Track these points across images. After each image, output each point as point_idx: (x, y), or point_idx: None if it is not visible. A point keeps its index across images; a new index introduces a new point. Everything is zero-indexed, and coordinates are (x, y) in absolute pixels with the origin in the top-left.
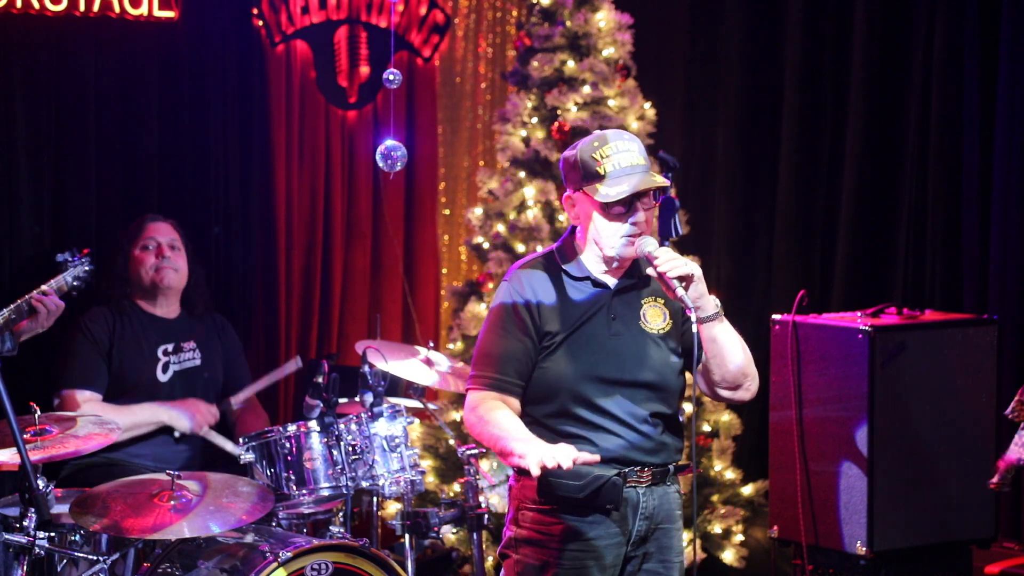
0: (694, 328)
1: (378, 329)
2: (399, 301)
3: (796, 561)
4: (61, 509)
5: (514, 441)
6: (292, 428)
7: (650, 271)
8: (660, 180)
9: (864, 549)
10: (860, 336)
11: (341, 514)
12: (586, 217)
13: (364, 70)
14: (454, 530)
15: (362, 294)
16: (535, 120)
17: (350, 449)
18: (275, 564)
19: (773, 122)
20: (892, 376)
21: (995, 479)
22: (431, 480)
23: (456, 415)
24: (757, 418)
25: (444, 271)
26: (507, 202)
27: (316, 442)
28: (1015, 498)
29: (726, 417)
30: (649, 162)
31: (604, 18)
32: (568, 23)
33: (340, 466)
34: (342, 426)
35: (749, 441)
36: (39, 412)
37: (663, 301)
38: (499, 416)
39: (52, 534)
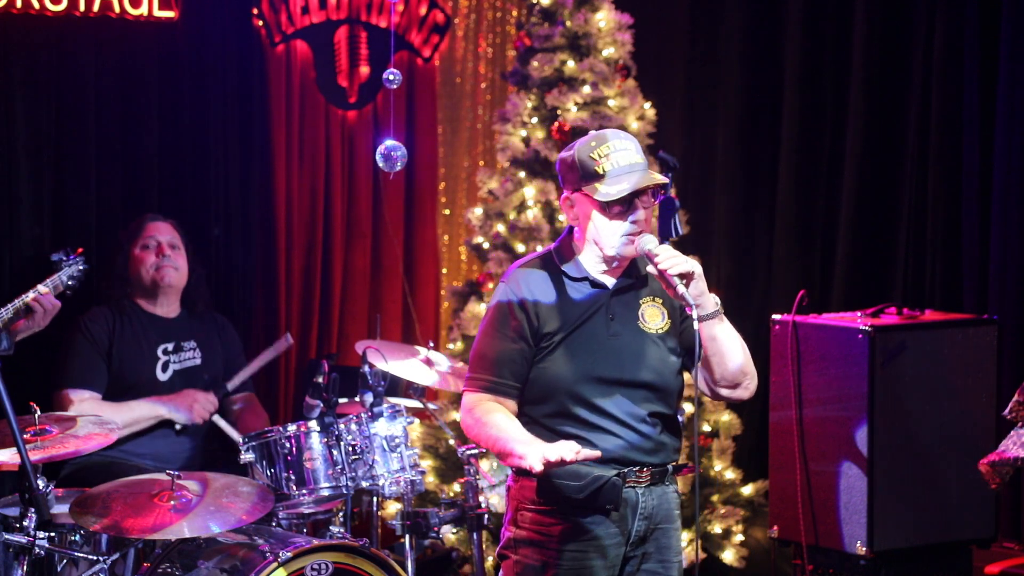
0: (696, 325)
1: (378, 329)
2: (399, 301)
3: (796, 561)
4: (61, 509)
5: (514, 442)
6: (292, 428)
7: (650, 269)
8: (659, 178)
9: (864, 549)
10: (860, 336)
11: (341, 514)
12: (585, 217)
13: (364, 70)
14: (454, 530)
15: (362, 294)
16: (535, 120)
17: (350, 449)
18: (275, 564)
19: (773, 122)
20: (892, 376)
21: (991, 479)
22: (431, 480)
23: (456, 415)
24: (757, 418)
25: (444, 271)
26: (507, 202)
27: (316, 442)
28: (1015, 498)
29: (726, 417)
30: (647, 160)
31: (604, 18)
32: (568, 23)
33: (340, 466)
34: (342, 426)
35: (749, 441)
36: (39, 412)
37: (661, 301)
38: (496, 418)
39: (52, 534)
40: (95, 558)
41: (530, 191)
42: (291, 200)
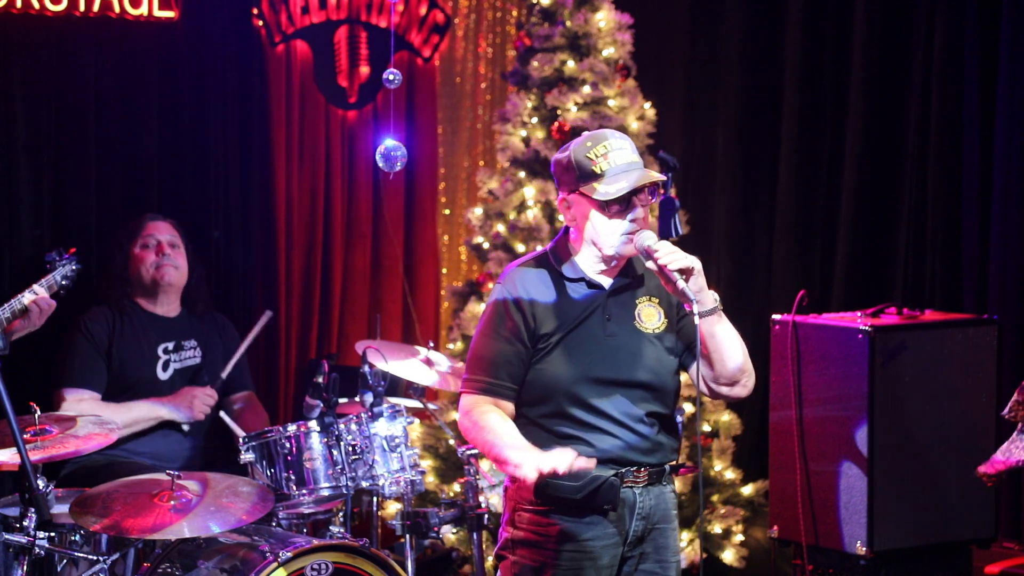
0: (696, 320)
1: (378, 329)
2: (399, 301)
3: (796, 561)
4: (61, 509)
5: (509, 449)
6: (292, 428)
7: (649, 265)
8: (657, 176)
9: (864, 549)
10: (860, 336)
11: (341, 514)
12: (583, 218)
13: (364, 70)
14: (454, 530)
15: (362, 294)
16: (535, 120)
17: (350, 449)
18: (275, 564)
19: (773, 122)
20: (892, 376)
21: (986, 471)
22: (431, 480)
23: (456, 415)
24: (757, 418)
25: (444, 271)
26: (507, 202)
27: (316, 442)
28: (1015, 498)
29: (726, 417)
30: (642, 159)
31: (604, 18)
32: (568, 23)
33: (340, 466)
34: (342, 426)
35: (749, 441)
36: (39, 412)
37: (658, 300)
38: (494, 422)
39: (52, 534)
40: (95, 558)
41: (530, 191)
42: (291, 200)
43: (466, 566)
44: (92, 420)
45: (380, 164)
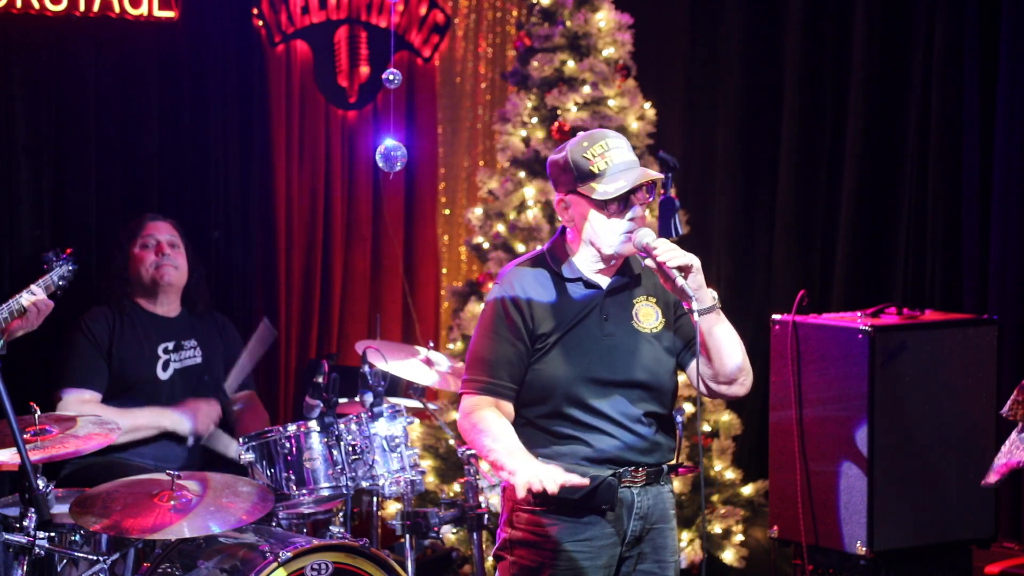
0: (696, 317)
1: (378, 329)
2: (399, 301)
3: (796, 561)
4: (61, 509)
5: (506, 456)
6: (292, 428)
7: (648, 262)
8: (655, 174)
9: (864, 549)
10: (860, 336)
11: (341, 514)
12: (581, 218)
13: (364, 70)
14: (454, 530)
15: (362, 294)
16: (535, 120)
17: (350, 449)
18: (275, 564)
19: (773, 122)
20: (892, 376)
21: (992, 480)
22: (431, 480)
23: (456, 415)
24: (757, 418)
25: (444, 271)
26: (507, 202)
27: (316, 442)
28: (1015, 498)
29: (726, 417)
30: (640, 159)
31: (604, 18)
32: (568, 23)
33: (340, 466)
34: (342, 426)
35: (749, 441)
36: (39, 412)
37: (655, 300)
38: (492, 425)
39: (52, 534)
40: (95, 558)
41: (530, 191)
42: (291, 200)
43: (466, 566)
44: (92, 420)
45: (380, 164)
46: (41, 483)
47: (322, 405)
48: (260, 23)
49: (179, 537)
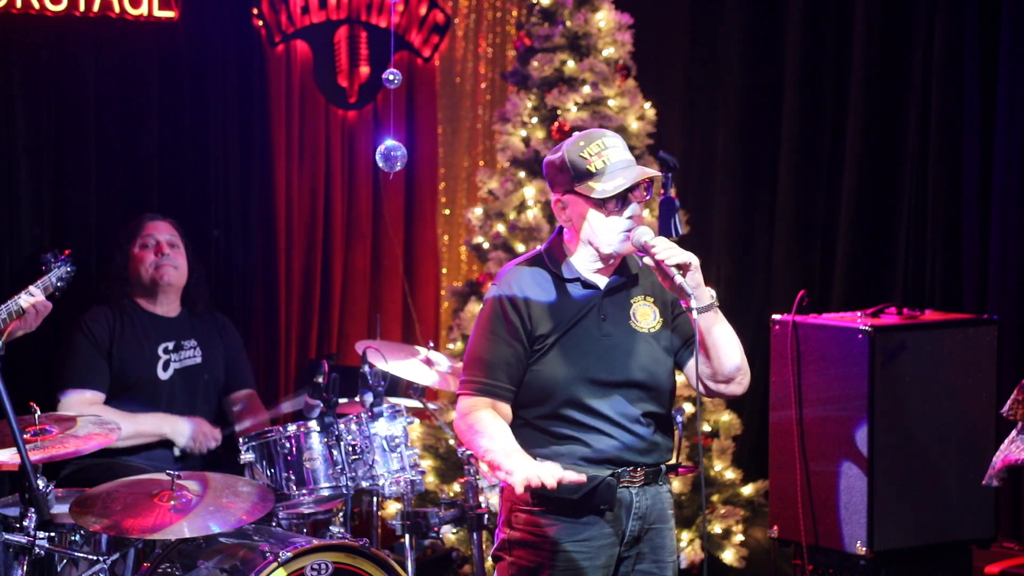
0: (694, 315)
1: (378, 329)
2: (399, 301)
3: (796, 561)
4: (61, 509)
5: (502, 456)
6: (292, 428)
7: (647, 260)
8: (653, 171)
9: (864, 549)
10: (860, 336)
11: (341, 514)
12: (579, 218)
13: (364, 70)
14: (454, 530)
15: (362, 294)
16: (535, 120)
17: (350, 449)
18: (275, 564)
19: (773, 122)
20: (892, 376)
21: (993, 480)
22: (431, 480)
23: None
24: (757, 418)
25: (444, 271)
26: (507, 202)
27: (316, 442)
28: (1015, 498)
29: (726, 417)
30: (637, 158)
31: (604, 18)
32: (568, 23)
33: (340, 466)
34: (342, 426)
35: (749, 441)
36: (39, 412)
37: (652, 299)
38: (489, 426)
39: (52, 534)
40: (95, 558)
41: (530, 191)
42: (291, 200)
43: (466, 566)
44: (92, 420)
45: (380, 164)
46: (41, 483)
47: (322, 405)
48: (260, 23)
49: (179, 537)
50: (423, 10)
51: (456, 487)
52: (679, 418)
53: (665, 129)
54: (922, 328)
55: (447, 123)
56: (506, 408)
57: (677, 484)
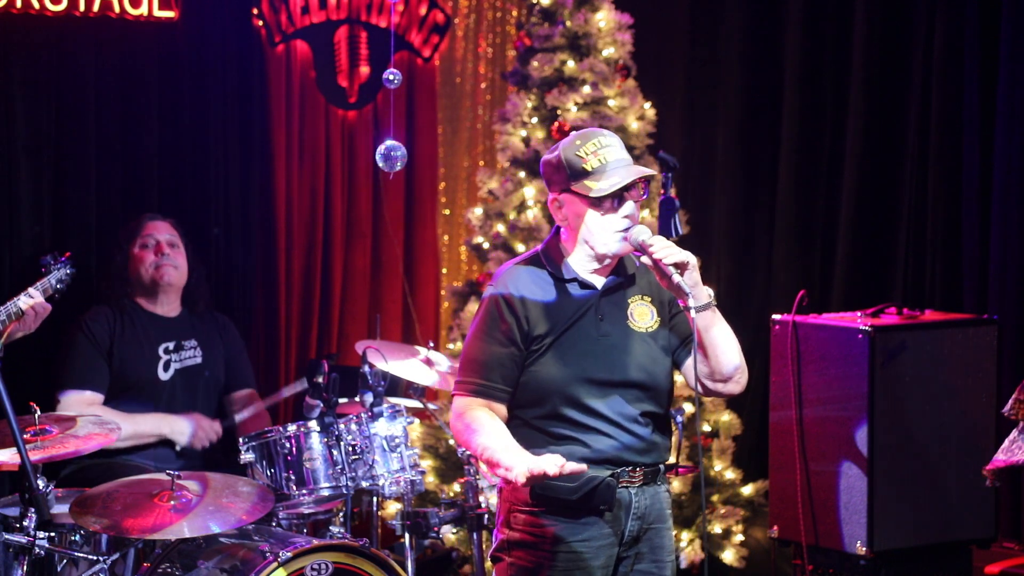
0: (692, 314)
1: (378, 329)
2: (399, 301)
3: (796, 561)
4: (61, 509)
5: (501, 452)
6: (292, 428)
7: (645, 260)
8: (648, 170)
9: (864, 549)
10: (860, 336)
11: (341, 514)
12: (575, 217)
13: (364, 70)
14: (454, 530)
15: (362, 294)
16: (535, 120)
17: (350, 449)
18: (275, 564)
19: (773, 122)
20: (892, 376)
21: (990, 480)
22: (431, 480)
23: None
24: (757, 418)
25: (444, 271)
26: (507, 202)
27: (316, 442)
28: (1015, 498)
29: (726, 417)
30: (636, 158)
31: (604, 18)
32: (568, 23)
33: (340, 466)
34: (342, 426)
35: (749, 441)
36: (39, 412)
37: (650, 299)
38: (485, 424)
39: (52, 534)
40: (95, 558)
41: (530, 191)
42: (291, 200)
43: (466, 566)
44: (92, 420)
45: (380, 164)
46: (41, 483)
47: (322, 405)
48: (260, 23)
49: (179, 537)
50: (423, 10)
51: (456, 487)
52: (679, 418)
53: (665, 129)
54: (922, 328)
55: (447, 123)
56: (502, 408)
57: (677, 484)
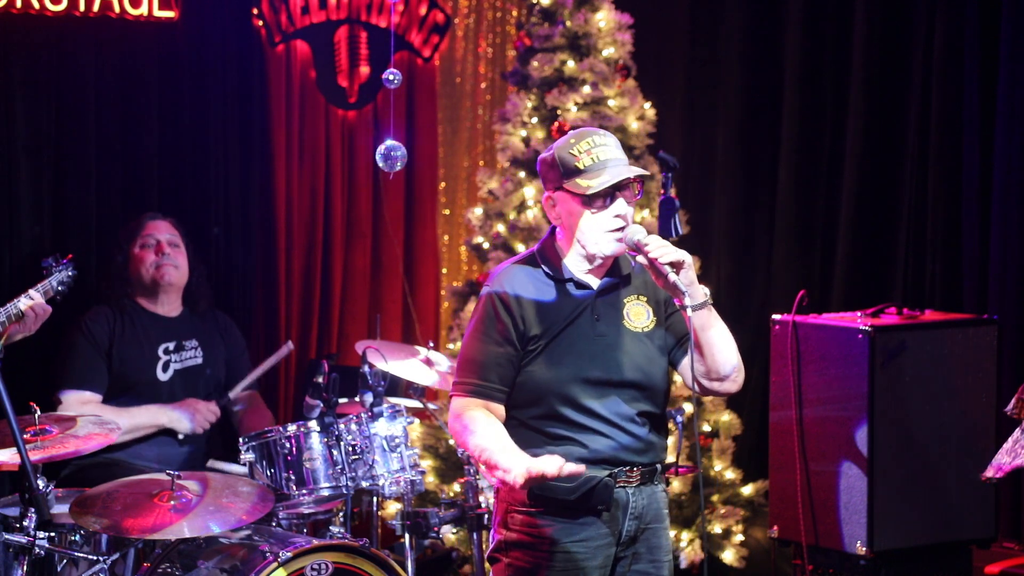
0: (689, 313)
1: (378, 329)
2: (399, 301)
3: (796, 561)
4: (61, 509)
5: (498, 453)
6: (292, 428)
7: (640, 259)
8: (639, 169)
9: (864, 549)
10: (860, 336)
11: (341, 514)
12: (568, 215)
13: (364, 70)
14: (454, 530)
15: (362, 294)
16: (535, 120)
17: (350, 449)
18: (275, 564)
19: (773, 122)
20: (892, 376)
21: (991, 475)
22: (431, 480)
23: None
24: (757, 418)
25: (444, 271)
26: (507, 202)
27: (316, 442)
28: (1015, 498)
29: (726, 417)
30: (630, 157)
31: (604, 18)
32: (568, 23)
33: (340, 466)
34: (342, 426)
35: (749, 441)
36: (39, 412)
37: (645, 299)
38: (483, 425)
39: (52, 534)
40: (95, 558)
41: (530, 191)
42: (291, 200)
43: (466, 566)
44: (92, 420)
45: (380, 164)
46: (41, 483)
47: (322, 405)
48: (260, 23)
49: (179, 537)
50: (423, 10)
51: (456, 487)
52: (679, 418)
53: (665, 129)
54: (922, 328)
55: (447, 123)
56: (499, 409)
57: (677, 484)
